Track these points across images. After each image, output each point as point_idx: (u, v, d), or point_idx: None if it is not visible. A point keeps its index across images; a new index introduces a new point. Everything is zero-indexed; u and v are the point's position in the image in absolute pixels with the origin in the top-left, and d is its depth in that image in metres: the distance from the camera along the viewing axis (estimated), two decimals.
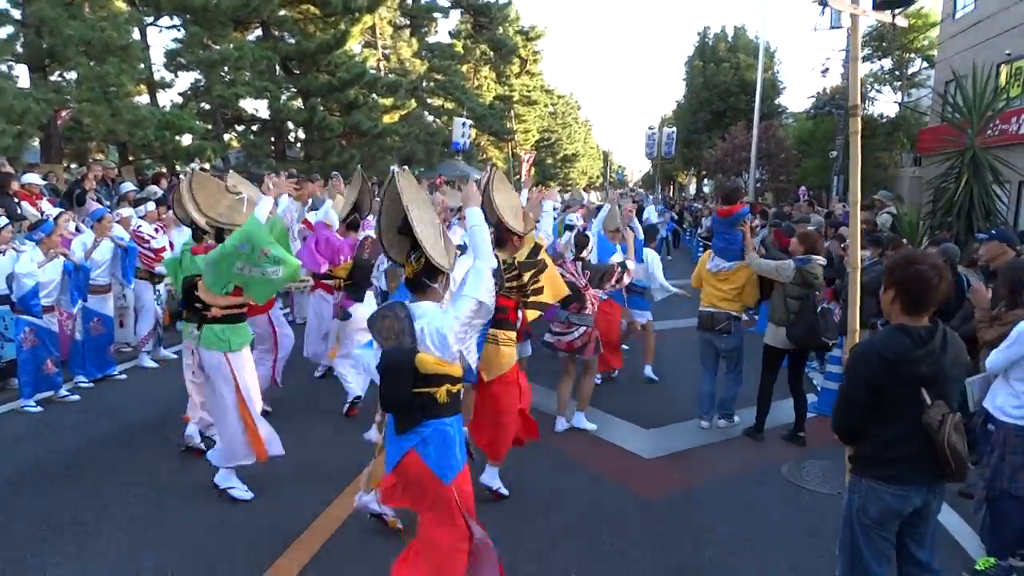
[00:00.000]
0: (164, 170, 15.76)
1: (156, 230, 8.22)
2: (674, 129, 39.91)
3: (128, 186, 10.53)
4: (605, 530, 4.53)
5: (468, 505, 3.13)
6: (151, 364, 8.13)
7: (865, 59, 28.19)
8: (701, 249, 21.04)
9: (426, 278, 3.10)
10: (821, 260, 6.04)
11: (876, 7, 5.02)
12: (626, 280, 6.09)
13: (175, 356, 8.43)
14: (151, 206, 8.40)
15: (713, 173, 35.76)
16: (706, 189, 45.74)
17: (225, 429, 4.65)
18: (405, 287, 3.20)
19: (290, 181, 5.83)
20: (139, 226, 8.12)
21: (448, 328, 2.99)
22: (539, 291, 4.87)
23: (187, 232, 5.33)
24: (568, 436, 6.12)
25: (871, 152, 24.76)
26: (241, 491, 4.78)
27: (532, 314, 4.90)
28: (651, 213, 19.33)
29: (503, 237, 4.78)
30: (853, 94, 3.52)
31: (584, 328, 6.02)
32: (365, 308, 6.32)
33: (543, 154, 50.91)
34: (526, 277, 4.79)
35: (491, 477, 4.90)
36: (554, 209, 6.31)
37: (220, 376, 4.61)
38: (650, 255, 8.09)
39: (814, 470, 5.59)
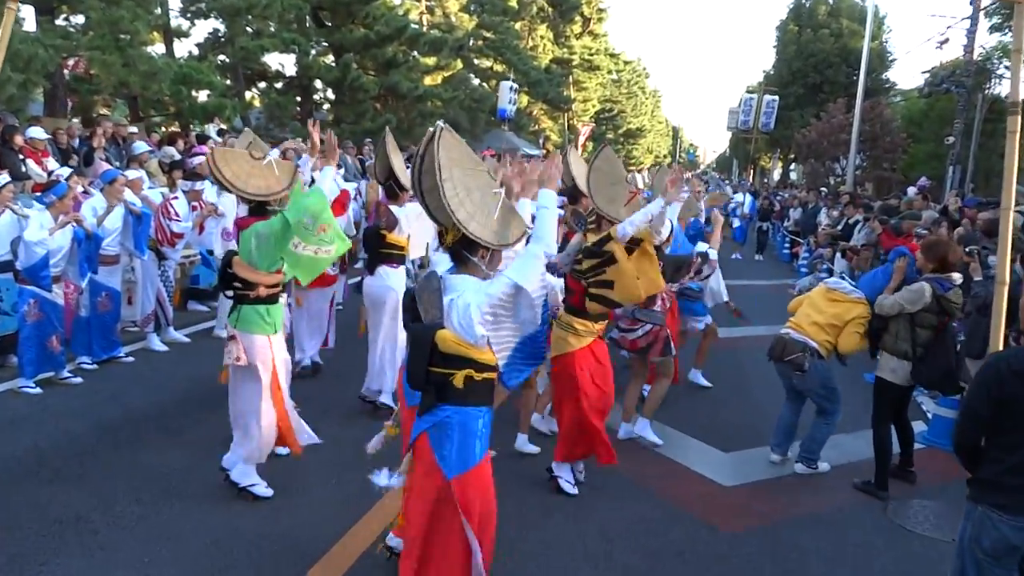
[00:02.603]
0: (179, 129, 16.09)
1: (192, 208, 8.37)
2: (776, 98, 39.25)
3: (142, 146, 10.76)
4: (677, 567, 4.50)
5: (473, 510, 3.21)
6: (160, 347, 8.32)
7: (994, 29, 27.33)
8: (787, 246, 20.77)
9: (465, 250, 3.23)
10: (957, 278, 5.54)
11: None
12: (707, 272, 6.00)
13: (187, 340, 8.62)
14: (150, 167, 8.50)
15: (804, 157, 35.12)
16: (793, 176, 44.98)
17: (258, 420, 4.78)
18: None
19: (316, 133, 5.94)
20: (175, 197, 8.29)
21: (475, 305, 3.09)
22: (605, 284, 4.87)
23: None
24: (633, 454, 6.07)
25: (999, 139, 24.02)
26: (262, 488, 4.91)
27: (593, 306, 4.97)
28: (735, 200, 19.10)
29: (597, 219, 5.12)
30: (1015, 89, 3.56)
31: (651, 326, 6.02)
32: (378, 281, 6.38)
33: (603, 127, 50.69)
34: (585, 265, 4.90)
35: (560, 466, 5.27)
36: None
37: (260, 360, 4.73)
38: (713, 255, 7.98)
39: (925, 511, 5.46)
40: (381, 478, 3.47)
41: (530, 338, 3.37)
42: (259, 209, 5.11)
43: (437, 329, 3.13)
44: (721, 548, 4.77)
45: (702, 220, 8.34)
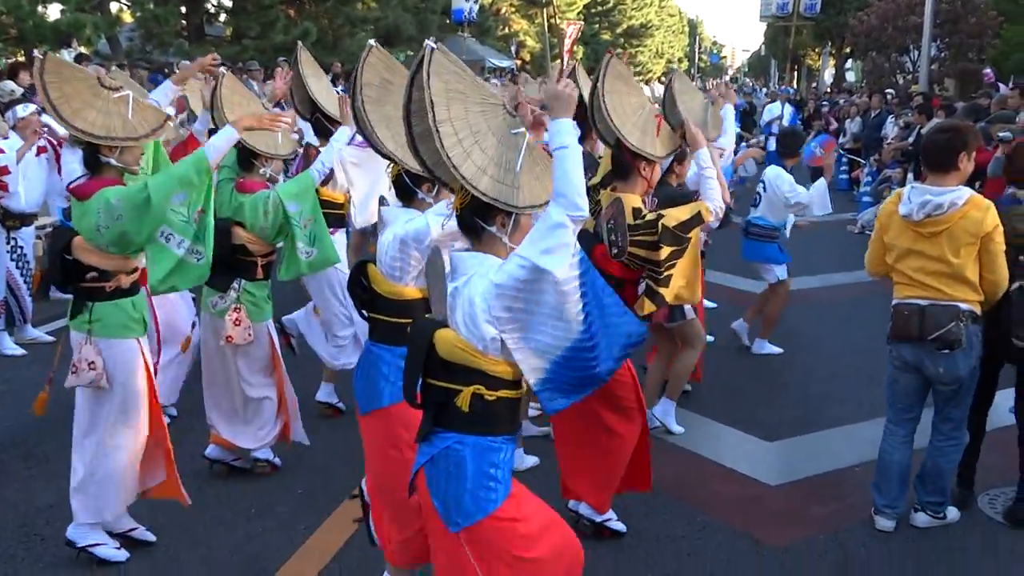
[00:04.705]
0: (23, 59, 15.83)
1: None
2: None
3: None
4: None
5: (504, 569, 3.05)
6: (14, 350, 8.27)
7: None
8: (844, 169, 20.81)
9: (477, 218, 3.09)
10: None
11: None
12: (710, 220, 5.77)
13: (50, 339, 8.53)
14: (23, 110, 8.33)
15: (863, 51, 35.10)
16: (850, 76, 44.99)
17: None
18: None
19: (209, 64, 6.02)
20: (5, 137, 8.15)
21: (480, 295, 2.96)
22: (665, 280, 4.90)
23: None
24: (655, 450, 6.09)
25: None
26: (110, 549, 4.76)
27: (648, 307, 4.92)
28: (771, 111, 19.16)
29: (626, 165, 4.79)
30: None
31: None
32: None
33: (597, 26, 50.45)
34: (663, 254, 4.75)
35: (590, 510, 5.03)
36: None
37: (128, 373, 4.69)
38: (775, 173, 8.00)
39: None
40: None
41: (575, 350, 3.02)
42: (94, 163, 4.60)
43: (437, 327, 3.05)
44: (768, 568, 4.81)
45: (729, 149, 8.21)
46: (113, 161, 4.52)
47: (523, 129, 3.17)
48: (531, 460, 5.95)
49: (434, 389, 3.07)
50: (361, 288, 4.09)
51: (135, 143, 4.59)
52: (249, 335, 5.42)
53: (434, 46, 3.01)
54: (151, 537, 4.91)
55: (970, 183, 5.44)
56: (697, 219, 4.82)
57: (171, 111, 5.95)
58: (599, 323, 3.04)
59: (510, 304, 2.93)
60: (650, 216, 4.75)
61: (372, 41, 4.24)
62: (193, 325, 6.34)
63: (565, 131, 2.99)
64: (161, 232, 4.50)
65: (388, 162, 4.30)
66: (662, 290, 4.84)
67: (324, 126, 6.28)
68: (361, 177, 6.20)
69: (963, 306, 4.85)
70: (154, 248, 4.58)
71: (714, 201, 4.43)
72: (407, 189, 4.14)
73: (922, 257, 4.90)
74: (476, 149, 3.00)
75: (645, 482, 5.04)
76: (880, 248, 5.21)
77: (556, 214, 2.91)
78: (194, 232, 4.56)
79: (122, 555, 4.76)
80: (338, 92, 6.78)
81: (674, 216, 4.77)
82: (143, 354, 4.76)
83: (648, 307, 4.90)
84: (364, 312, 4.14)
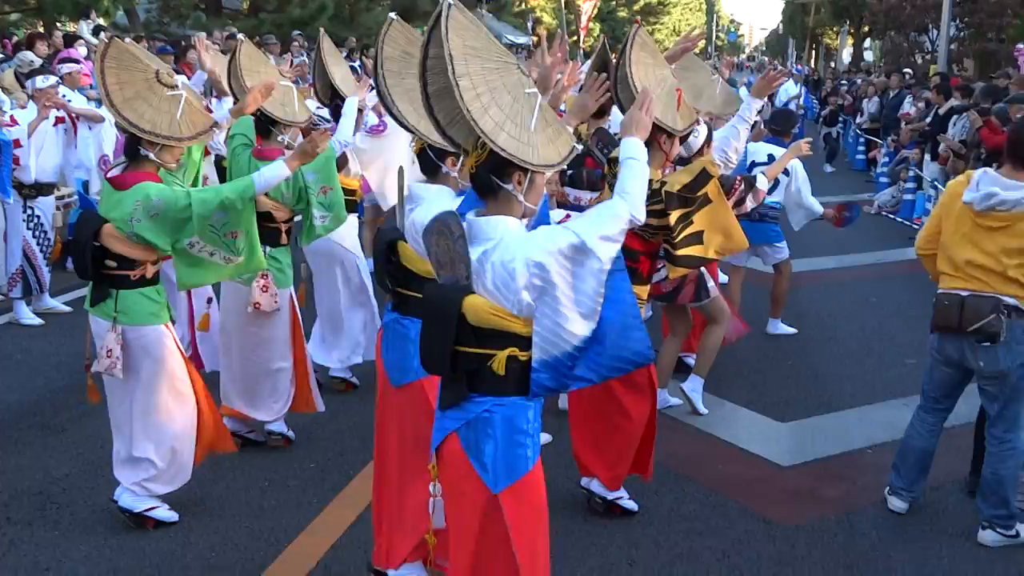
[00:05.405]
0: (41, 29, 15.82)
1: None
2: None
3: None
4: (723, 574, 4.55)
5: (526, 531, 3.08)
6: (32, 319, 8.31)
7: None
8: (861, 148, 20.67)
9: (494, 175, 3.04)
10: None
11: None
12: (750, 204, 5.82)
13: (67, 309, 8.56)
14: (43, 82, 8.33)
15: (882, 30, 34.81)
16: (868, 56, 44.62)
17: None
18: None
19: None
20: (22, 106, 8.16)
21: (520, 260, 2.92)
22: (692, 238, 4.87)
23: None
24: (663, 431, 6.07)
25: None
26: (164, 511, 4.86)
27: (676, 271, 4.94)
28: (787, 91, 19.01)
29: (647, 138, 4.77)
30: None
31: None
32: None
33: (613, 3, 50.15)
34: (673, 217, 4.75)
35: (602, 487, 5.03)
36: None
37: (156, 358, 4.73)
38: (801, 169, 7.96)
39: None
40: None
41: (589, 347, 3.01)
42: (134, 154, 4.63)
43: (465, 294, 3.01)
44: (780, 547, 4.81)
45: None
46: (152, 156, 4.54)
47: (536, 89, 3.16)
48: (544, 437, 5.95)
49: (465, 357, 3.03)
50: (392, 265, 4.08)
51: (177, 143, 4.60)
52: (276, 301, 5.44)
53: (452, 2, 2.97)
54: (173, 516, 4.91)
55: (988, 165, 5.33)
56: (703, 177, 4.75)
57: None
58: (606, 328, 3.02)
59: (547, 277, 2.91)
60: (655, 185, 4.71)
61: (392, 15, 4.20)
62: (209, 301, 6.33)
63: (639, 149, 3.24)
64: (189, 243, 4.58)
65: (400, 143, 4.28)
66: (690, 250, 4.82)
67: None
68: (372, 161, 6.23)
69: (1006, 299, 4.64)
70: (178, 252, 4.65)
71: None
72: (431, 163, 4.10)
73: (975, 249, 4.68)
74: (493, 105, 2.97)
75: (644, 467, 5.02)
76: (936, 227, 4.97)
77: (621, 208, 3.04)
78: (229, 247, 4.65)
79: (174, 516, 4.88)
80: (353, 66, 6.81)
81: (677, 180, 4.76)
82: (174, 339, 4.81)
83: (675, 272, 4.93)
84: (390, 286, 4.12)
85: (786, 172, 7.72)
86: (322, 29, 6.92)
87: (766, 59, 56.85)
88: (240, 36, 5.77)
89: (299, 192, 5.52)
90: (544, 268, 2.89)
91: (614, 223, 3.00)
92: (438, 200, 3.73)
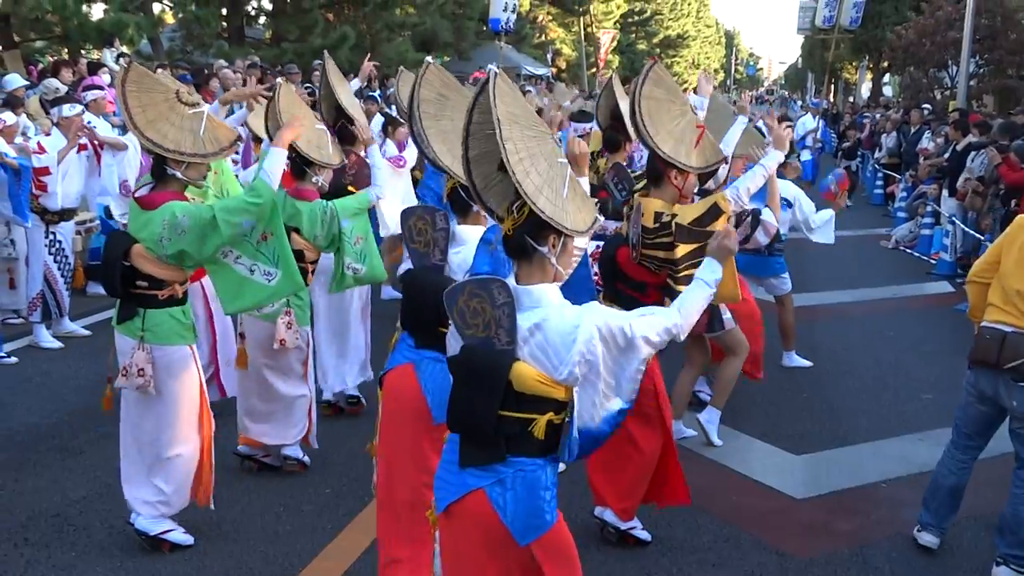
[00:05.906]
0: (66, 56, 16.02)
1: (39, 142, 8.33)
2: None
3: (15, 80, 10.74)
4: None
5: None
6: (51, 343, 8.35)
7: None
8: (879, 183, 20.66)
9: (531, 238, 3.09)
10: None
11: None
12: (762, 239, 5.83)
13: (86, 333, 8.63)
14: (70, 110, 8.43)
15: (901, 66, 34.83)
16: (887, 91, 44.66)
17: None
18: (501, 251, 3.29)
19: (252, 79, 6.09)
20: (47, 133, 8.24)
21: (578, 333, 3.01)
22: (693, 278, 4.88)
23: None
24: (682, 459, 6.10)
25: None
26: (179, 534, 4.89)
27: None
28: (804, 125, 19.02)
29: (657, 171, 4.83)
30: None
31: None
32: None
33: (634, 35, 50.38)
34: (680, 252, 4.76)
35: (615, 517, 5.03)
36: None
37: (179, 380, 4.80)
38: (792, 190, 7.93)
39: None
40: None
41: (590, 436, 3.24)
42: (160, 174, 4.68)
43: (511, 360, 3.04)
44: None
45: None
46: (179, 174, 4.60)
47: (566, 160, 3.24)
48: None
49: (508, 420, 3.06)
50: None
51: (202, 160, 4.68)
52: (298, 337, 5.50)
53: (497, 71, 3.08)
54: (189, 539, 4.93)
55: (1006, 202, 5.32)
56: (714, 211, 4.76)
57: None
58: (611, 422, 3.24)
59: (594, 359, 3.06)
60: (666, 218, 4.74)
61: (429, 58, 4.29)
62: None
63: (714, 275, 3.44)
64: (222, 252, 4.67)
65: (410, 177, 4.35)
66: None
67: (349, 133, 6.34)
68: (388, 189, 6.30)
69: None
70: (214, 267, 4.75)
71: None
72: (462, 203, 4.15)
73: None
74: (533, 170, 3.04)
75: (682, 495, 5.01)
76: (996, 256, 4.84)
77: (674, 320, 3.23)
78: (265, 256, 4.75)
79: (189, 539, 4.90)
80: (370, 95, 6.87)
81: (688, 214, 4.76)
82: (196, 361, 4.87)
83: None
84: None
85: (788, 204, 7.72)
86: (326, 52, 7.03)
87: (785, 93, 56.90)
88: (279, 80, 5.81)
89: (332, 237, 5.56)
90: (593, 345, 3.03)
91: (662, 331, 3.19)
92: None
